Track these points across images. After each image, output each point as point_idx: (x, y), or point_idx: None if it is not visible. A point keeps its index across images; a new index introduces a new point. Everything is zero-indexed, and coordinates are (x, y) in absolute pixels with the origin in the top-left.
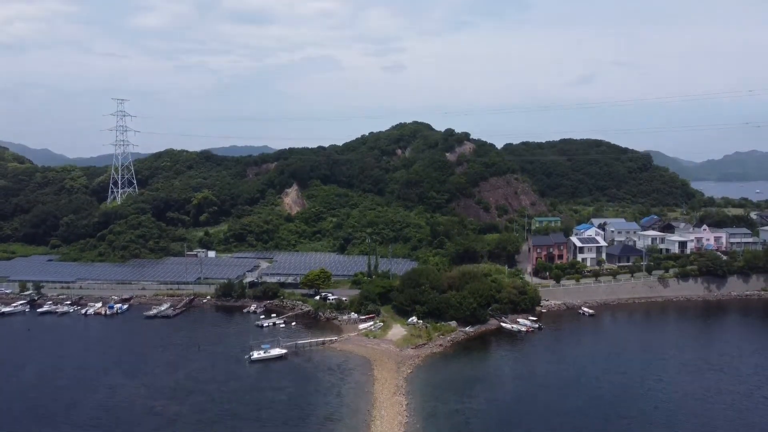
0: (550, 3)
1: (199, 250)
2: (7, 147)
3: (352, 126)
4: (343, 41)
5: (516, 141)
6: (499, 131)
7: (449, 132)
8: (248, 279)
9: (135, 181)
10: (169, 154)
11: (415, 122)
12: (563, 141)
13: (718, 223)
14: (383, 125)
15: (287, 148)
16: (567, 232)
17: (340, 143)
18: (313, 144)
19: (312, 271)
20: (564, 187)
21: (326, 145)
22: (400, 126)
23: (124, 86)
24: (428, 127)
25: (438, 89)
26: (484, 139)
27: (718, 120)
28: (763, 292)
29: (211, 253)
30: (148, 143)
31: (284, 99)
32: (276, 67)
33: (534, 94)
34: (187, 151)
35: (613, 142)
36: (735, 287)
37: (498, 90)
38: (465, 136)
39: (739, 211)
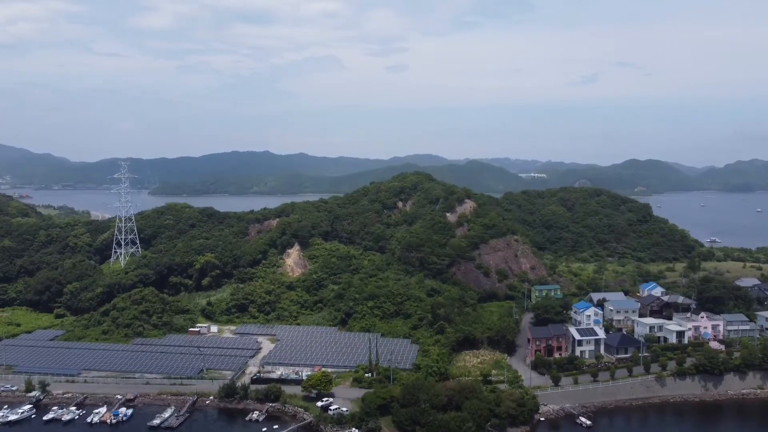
0: (554, 4)
1: (201, 325)
2: (12, 191)
3: (352, 126)
4: (347, 41)
5: (518, 139)
6: (501, 131)
7: (450, 190)
8: (250, 368)
9: (138, 241)
10: (172, 210)
11: (417, 173)
12: (563, 189)
13: (715, 300)
14: (384, 125)
15: (289, 202)
16: (566, 306)
17: (340, 145)
18: (314, 147)
19: (314, 374)
20: (564, 240)
21: (327, 147)
22: (401, 177)
23: (125, 87)
24: (429, 177)
25: (441, 89)
26: (485, 138)
27: (721, 125)
28: (759, 390)
29: (214, 328)
30: (149, 146)
31: (286, 98)
32: (279, 67)
33: (537, 95)
34: (190, 207)
35: (614, 147)
36: (732, 385)
37: (501, 90)
38: (465, 194)
39: (738, 266)
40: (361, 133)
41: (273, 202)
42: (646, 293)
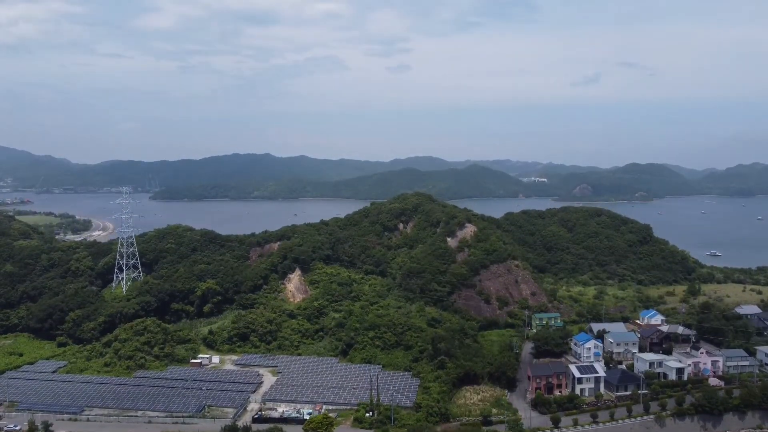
0: (557, 4)
1: (203, 355)
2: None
3: (353, 128)
4: (349, 42)
5: (519, 141)
6: (502, 133)
7: (451, 214)
8: (252, 405)
9: (140, 266)
10: (173, 234)
11: (417, 193)
12: (563, 210)
13: (716, 331)
14: (386, 127)
15: (290, 225)
16: (566, 335)
17: (341, 147)
18: (315, 149)
19: (315, 417)
20: (565, 262)
21: (328, 150)
22: (402, 198)
23: (127, 88)
24: (429, 198)
25: (443, 90)
26: (486, 140)
27: (722, 127)
28: (758, 430)
29: (215, 359)
30: (150, 148)
31: (288, 100)
32: (281, 67)
33: (539, 95)
34: (191, 230)
35: (615, 149)
36: (731, 425)
37: (502, 90)
38: (466, 218)
39: (738, 289)
40: (362, 135)
41: (274, 207)
42: (646, 321)
